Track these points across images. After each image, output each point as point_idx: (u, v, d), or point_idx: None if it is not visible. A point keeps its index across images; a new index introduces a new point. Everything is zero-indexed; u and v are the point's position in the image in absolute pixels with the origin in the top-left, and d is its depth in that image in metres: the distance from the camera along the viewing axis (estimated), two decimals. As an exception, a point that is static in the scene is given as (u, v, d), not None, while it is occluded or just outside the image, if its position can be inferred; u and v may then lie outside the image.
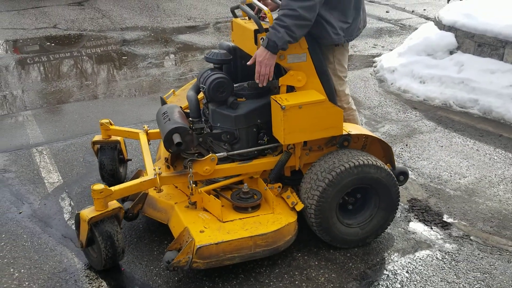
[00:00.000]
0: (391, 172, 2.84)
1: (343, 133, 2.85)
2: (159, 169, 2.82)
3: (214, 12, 10.44)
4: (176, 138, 2.75)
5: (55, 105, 5.53)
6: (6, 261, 2.89)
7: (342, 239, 2.87)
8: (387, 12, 10.35)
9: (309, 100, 2.70)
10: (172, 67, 6.96)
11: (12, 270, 2.81)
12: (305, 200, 2.80)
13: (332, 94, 2.99)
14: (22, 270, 2.80)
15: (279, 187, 2.93)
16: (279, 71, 3.03)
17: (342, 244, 2.90)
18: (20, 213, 3.39)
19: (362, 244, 2.94)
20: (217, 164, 2.85)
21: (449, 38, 5.73)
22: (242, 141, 2.96)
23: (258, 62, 2.72)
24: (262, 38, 2.72)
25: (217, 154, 2.83)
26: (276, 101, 2.73)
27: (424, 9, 10.54)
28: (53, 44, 8.23)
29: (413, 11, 10.46)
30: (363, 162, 2.74)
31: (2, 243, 3.05)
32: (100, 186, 2.57)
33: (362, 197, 2.92)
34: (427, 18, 9.67)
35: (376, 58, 6.90)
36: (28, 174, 3.93)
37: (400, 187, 3.61)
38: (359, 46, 7.66)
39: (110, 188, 2.62)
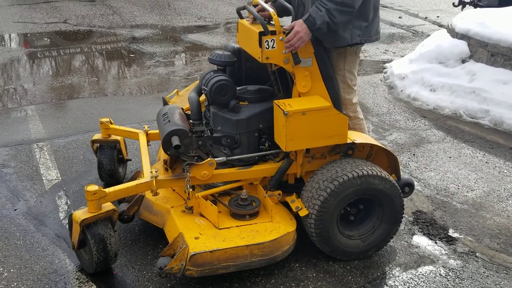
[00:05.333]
0: (396, 184, 2.73)
1: (348, 142, 2.75)
2: (156, 171, 2.74)
3: (225, 12, 10.37)
4: (175, 141, 2.67)
5: (59, 100, 5.48)
6: (-4, 259, 2.83)
7: (342, 250, 2.78)
8: (400, 17, 10.22)
9: (313, 107, 2.61)
10: (179, 67, 6.89)
11: (1, 269, 2.74)
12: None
13: (337, 101, 2.89)
14: (12, 270, 2.73)
15: (279, 194, 2.84)
16: (285, 77, 2.94)
17: (342, 256, 2.80)
18: (15, 210, 3.32)
19: (363, 256, 2.84)
20: (216, 169, 2.77)
21: (462, 46, 5.60)
22: (243, 146, 2.87)
23: (294, 31, 2.62)
24: (267, 40, 2.64)
25: (216, 159, 2.75)
26: (278, 106, 2.64)
27: (438, 16, 10.39)
28: (62, 39, 8.21)
29: (426, 17, 10.32)
30: (367, 172, 2.64)
31: (-5, 241, 2.99)
32: (94, 187, 2.50)
33: (364, 208, 2.82)
34: (441, 26, 9.53)
35: (386, 64, 6.78)
36: (26, 170, 3.88)
37: (405, 199, 3.50)
38: (370, 51, 7.55)
39: (105, 189, 2.55)
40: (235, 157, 2.85)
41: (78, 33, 8.61)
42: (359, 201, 2.77)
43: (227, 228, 2.62)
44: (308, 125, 2.62)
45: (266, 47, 2.65)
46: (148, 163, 2.93)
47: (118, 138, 3.49)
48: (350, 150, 2.83)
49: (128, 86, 6.04)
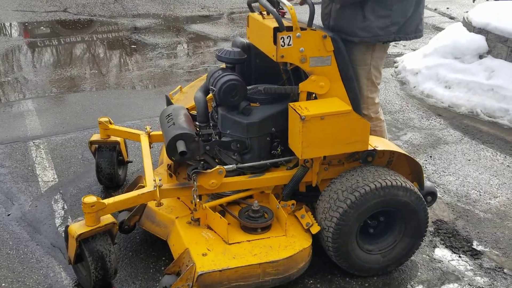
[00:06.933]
0: (421, 196, 2.51)
1: (369, 148, 2.53)
2: (160, 180, 2.51)
3: (228, 1, 10.09)
4: (180, 146, 2.44)
5: (58, 94, 5.25)
6: (-13, 271, 2.62)
7: (361, 266, 2.56)
8: (409, 9, 9.93)
9: (333, 111, 2.37)
10: (182, 59, 6.64)
11: (-8, 283, 2.54)
12: (321, 221, 2.49)
13: (357, 103, 2.66)
14: (3, 284, 2.52)
15: (292, 204, 2.62)
16: (299, 76, 2.71)
17: (361, 272, 2.59)
18: (9, 215, 3.11)
19: (382, 272, 2.63)
20: (225, 176, 2.54)
21: (479, 41, 5.33)
22: (254, 151, 2.64)
23: None
24: (283, 37, 2.40)
25: (225, 167, 2.52)
26: (294, 109, 2.41)
27: (448, 8, 10.10)
28: (62, 29, 7.95)
29: (435, 9, 10.03)
30: (391, 183, 2.42)
31: (-15, 250, 2.78)
32: (92, 198, 2.27)
33: (385, 221, 2.59)
34: (451, 18, 9.26)
35: (397, 58, 6.52)
36: (22, 170, 3.66)
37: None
38: (379, 44, 7.28)
39: (103, 201, 2.33)
40: (246, 164, 2.62)
41: (78, 22, 8.36)
42: (380, 213, 2.55)
43: (238, 243, 2.41)
44: (327, 131, 2.39)
45: (281, 45, 2.41)
46: (150, 169, 2.70)
47: (118, 138, 3.26)
48: (370, 157, 2.60)
49: (130, 79, 5.80)
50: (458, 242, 2.95)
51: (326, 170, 2.65)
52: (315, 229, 2.48)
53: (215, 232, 2.47)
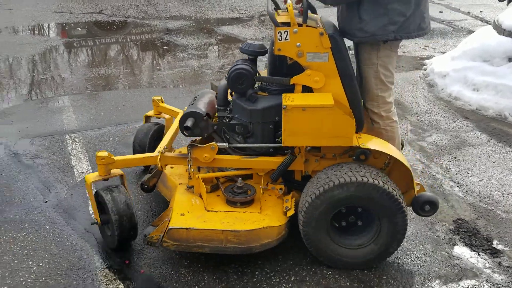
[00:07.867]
0: (394, 194, 2.46)
1: (354, 145, 2.55)
2: (165, 148, 2.85)
3: (259, 3, 10.24)
4: (187, 122, 2.74)
5: (92, 92, 5.49)
6: (26, 252, 2.80)
7: (340, 261, 2.63)
8: (440, 12, 9.87)
9: (315, 104, 2.48)
10: (211, 60, 6.81)
11: (30, 263, 2.72)
12: (298, 214, 2.61)
13: (355, 100, 2.67)
14: (41, 264, 2.71)
15: (280, 189, 2.80)
16: (299, 69, 2.81)
17: (343, 266, 2.65)
18: (46, 202, 3.31)
19: (367, 267, 2.66)
20: (229, 155, 2.83)
21: (509, 44, 5.29)
22: (256, 136, 2.82)
23: None
24: (280, 32, 2.55)
25: (218, 144, 2.78)
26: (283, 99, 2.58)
27: (481, 11, 9.98)
28: (97, 30, 8.26)
29: (468, 12, 9.92)
30: (356, 179, 2.43)
31: (25, 233, 2.97)
32: (103, 153, 2.72)
33: (364, 218, 2.62)
34: (484, 21, 9.14)
35: (426, 61, 6.52)
36: (58, 161, 3.87)
37: (446, 205, 3.32)
38: (408, 46, 7.29)
39: (113, 157, 2.76)
40: (237, 145, 2.83)
41: (113, 23, 8.65)
42: (357, 209, 2.60)
43: (215, 211, 2.67)
44: (308, 122, 2.49)
45: (279, 39, 2.55)
46: (167, 139, 3.03)
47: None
48: (362, 155, 2.62)
49: (161, 78, 6.00)
50: (478, 241, 2.98)
51: (316, 162, 2.75)
52: (290, 212, 2.64)
53: (202, 200, 2.72)
